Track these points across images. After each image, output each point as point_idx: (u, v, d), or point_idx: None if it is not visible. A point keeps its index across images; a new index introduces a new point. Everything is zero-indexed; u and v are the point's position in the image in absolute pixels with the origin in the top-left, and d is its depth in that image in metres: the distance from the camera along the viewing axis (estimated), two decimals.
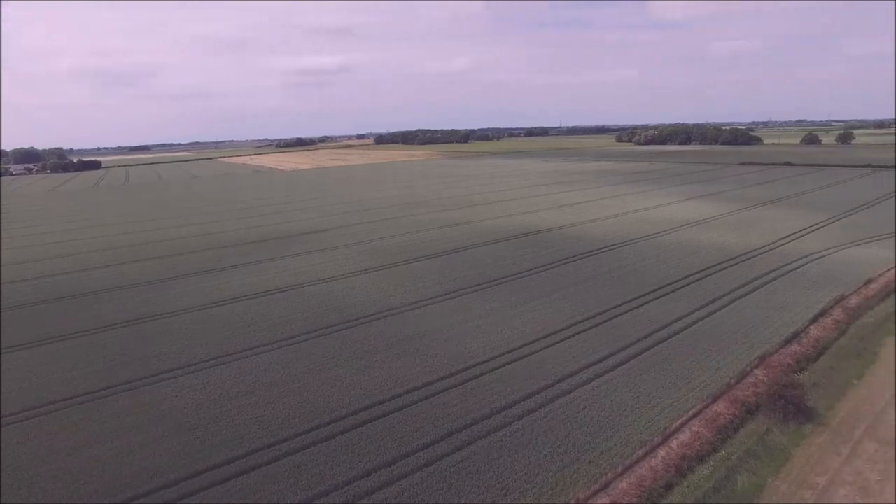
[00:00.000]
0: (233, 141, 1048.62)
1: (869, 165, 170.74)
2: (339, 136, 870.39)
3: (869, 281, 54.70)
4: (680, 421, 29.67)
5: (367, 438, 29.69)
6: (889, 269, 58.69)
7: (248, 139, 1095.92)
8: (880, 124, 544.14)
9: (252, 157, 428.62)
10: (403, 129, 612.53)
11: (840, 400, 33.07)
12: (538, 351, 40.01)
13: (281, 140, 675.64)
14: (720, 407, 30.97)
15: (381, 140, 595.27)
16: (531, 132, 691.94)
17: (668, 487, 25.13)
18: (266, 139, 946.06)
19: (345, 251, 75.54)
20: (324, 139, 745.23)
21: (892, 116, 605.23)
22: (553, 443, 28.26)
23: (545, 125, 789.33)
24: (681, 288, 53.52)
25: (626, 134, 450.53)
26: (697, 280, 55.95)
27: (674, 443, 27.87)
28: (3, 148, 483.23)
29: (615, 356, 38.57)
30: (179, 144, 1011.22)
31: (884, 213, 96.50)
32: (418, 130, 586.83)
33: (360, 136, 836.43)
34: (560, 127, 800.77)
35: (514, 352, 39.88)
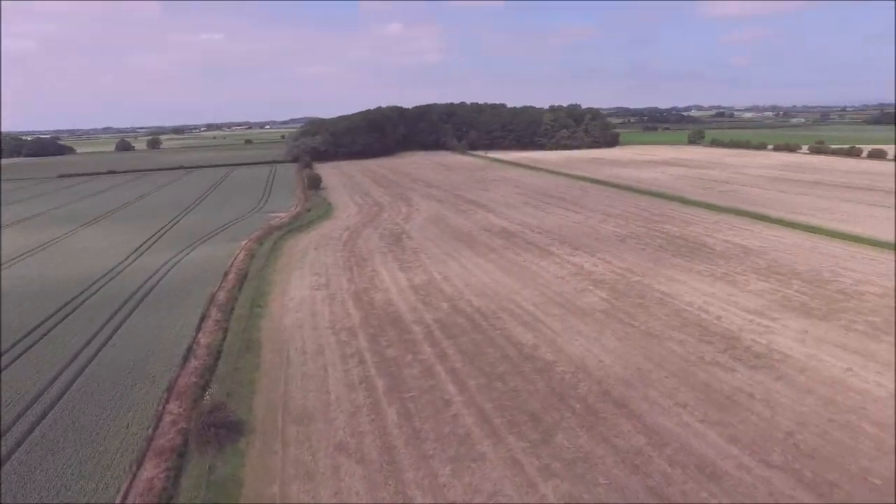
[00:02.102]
0: None
1: (181, 167, 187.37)
2: None
3: (226, 273, 58.72)
4: None
5: None
6: (231, 259, 64.64)
7: None
8: (178, 129, 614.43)
9: None
10: None
11: (253, 398, 33.58)
12: None
13: None
14: (150, 470, 25.91)
15: None
16: None
17: None
18: None
19: None
20: None
21: (192, 123, 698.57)
22: None
23: None
24: (40, 340, 42.92)
25: None
26: (57, 323, 46.27)
27: None
28: None
29: None
30: None
31: (207, 210, 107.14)
32: None
33: None
34: None
35: None
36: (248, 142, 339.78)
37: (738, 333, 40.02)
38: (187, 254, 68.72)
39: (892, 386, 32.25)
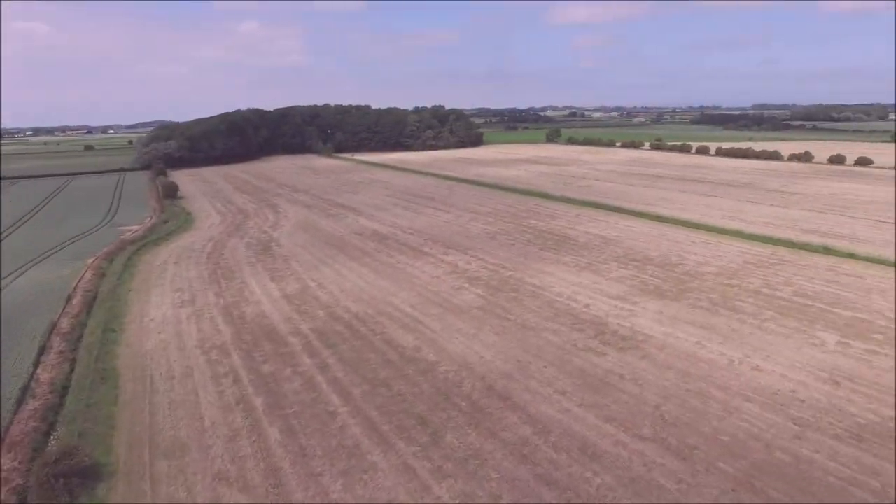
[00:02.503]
0: None
1: (3, 177, 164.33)
2: None
3: (70, 297, 52.27)
4: None
5: None
6: (76, 280, 57.75)
7: None
8: None
9: None
10: None
11: (113, 436, 30.02)
12: None
13: None
14: None
15: None
16: None
17: None
18: None
19: None
20: None
21: (14, 126, 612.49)
22: None
23: None
24: None
25: None
26: None
27: None
28: None
29: None
30: None
31: (41, 226, 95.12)
32: None
33: None
34: None
35: None
36: (89, 148, 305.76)
37: (605, 319, 42.90)
38: (15, 279, 60.15)
39: (732, 354, 36.35)
